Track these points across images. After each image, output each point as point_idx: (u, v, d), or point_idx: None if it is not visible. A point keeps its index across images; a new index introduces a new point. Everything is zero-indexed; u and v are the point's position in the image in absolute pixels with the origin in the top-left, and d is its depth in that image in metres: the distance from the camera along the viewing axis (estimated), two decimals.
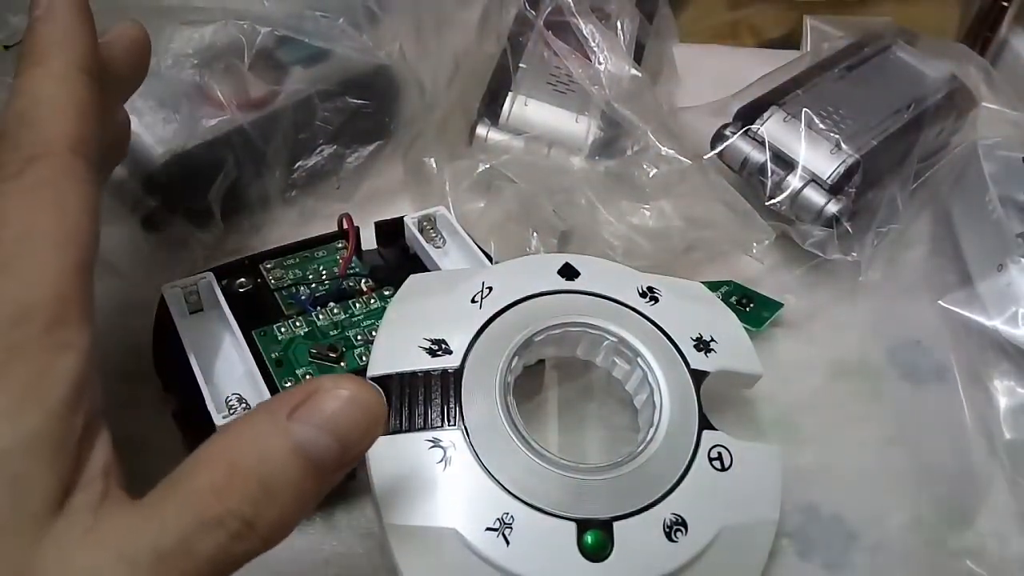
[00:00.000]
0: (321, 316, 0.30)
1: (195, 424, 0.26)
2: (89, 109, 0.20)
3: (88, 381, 0.18)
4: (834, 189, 0.36)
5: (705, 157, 0.38)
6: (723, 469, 0.25)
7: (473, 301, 0.28)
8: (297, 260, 0.32)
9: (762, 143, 0.37)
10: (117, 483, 0.18)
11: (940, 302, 0.35)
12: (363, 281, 0.32)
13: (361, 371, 0.27)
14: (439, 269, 0.32)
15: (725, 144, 0.38)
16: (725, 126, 0.38)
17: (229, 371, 0.27)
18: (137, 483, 0.19)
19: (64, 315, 0.18)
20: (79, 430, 0.18)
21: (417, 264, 0.33)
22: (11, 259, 0.18)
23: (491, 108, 0.38)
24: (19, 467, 0.16)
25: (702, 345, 0.28)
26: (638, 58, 0.41)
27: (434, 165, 0.37)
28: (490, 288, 0.28)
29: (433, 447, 0.24)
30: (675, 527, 0.24)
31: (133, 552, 0.16)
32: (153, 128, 0.32)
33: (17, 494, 0.16)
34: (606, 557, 0.23)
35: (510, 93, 0.38)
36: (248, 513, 0.17)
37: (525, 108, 0.38)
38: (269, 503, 0.17)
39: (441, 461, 0.24)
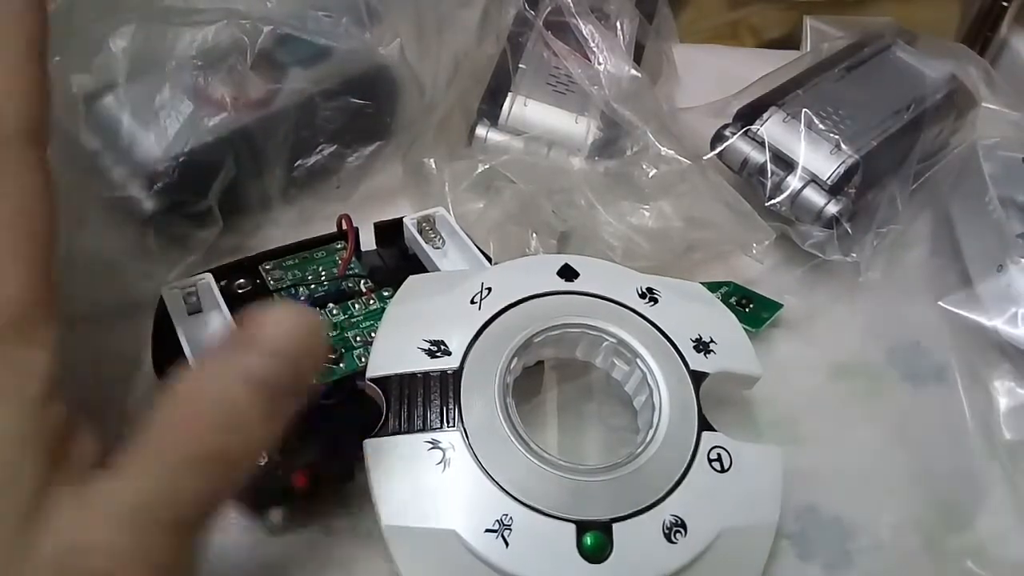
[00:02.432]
0: (320, 317, 0.30)
1: None
2: (43, 94, 0.20)
3: (60, 375, 0.18)
4: (834, 190, 0.36)
5: (705, 157, 0.38)
6: (723, 470, 0.25)
7: (472, 302, 0.28)
8: (296, 261, 0.32)
9: (762, 144, 0.37)
10: (99, 462, 0.18)
11: (940, 302, 0.35)
12: (362, 282, 0.32)
13: (360, 372, 0.27)
14: (438, 270, 0.32)
15: (725, 144, 0.38)
16: (725, 126, 0.38)
17: None
18: None
19: (30, 310, 0.18)
20: (56, 424, 0.18)
21: (416, 265, 0.33)
22: None
23: (491, 108, 0.38)
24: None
25: (701, 346, 0.28)
26: (638, 58, 0.41)
27: (433, 165, 0.37)
28: (489, 289, 0.28)
29: (432, 448, 0.24)
30: (674, 528, 0.24)
31: (117, 511, 0.17)
32: (155, 131, 0.32)
33: (1, 486, 0.17)
34: (605, 558, 0.23)
35: (510, 93, 0.38)
36: (219, 446, 0.18)
37: (525, 108, 0.38)
38: (236, 433, 0.18)
39: (440, 463, 0.24)
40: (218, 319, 0.29)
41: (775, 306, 0.35)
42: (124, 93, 0.32)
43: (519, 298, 0.28)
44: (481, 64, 0.40)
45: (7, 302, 0.18)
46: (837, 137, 0.37)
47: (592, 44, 0.38)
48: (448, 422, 0.25)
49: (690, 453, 0.25)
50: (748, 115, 0.38)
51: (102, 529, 0.17)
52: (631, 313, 0.29)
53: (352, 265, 0.32)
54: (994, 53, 0.52)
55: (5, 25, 0.20)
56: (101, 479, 0.18)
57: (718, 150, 0.38)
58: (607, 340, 0.28)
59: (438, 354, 0.26)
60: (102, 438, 0.19)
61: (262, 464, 0.25)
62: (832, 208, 0.35)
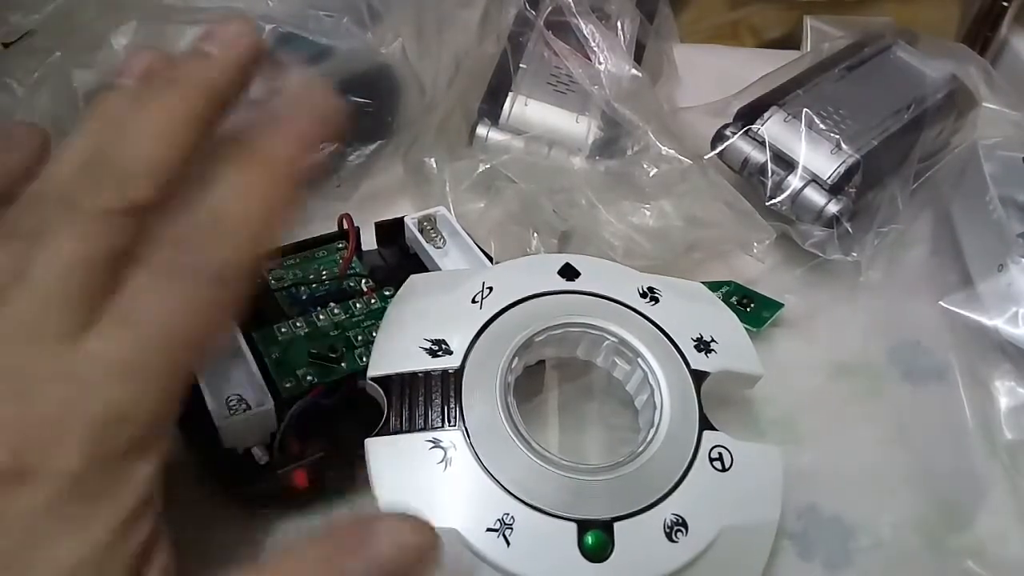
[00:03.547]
0: (321, 316, 0.30)
1: (195, 425, 0.25)
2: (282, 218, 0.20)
3: (158, 480, 0.18)
4: (834, 189, 0.36)
5: (706, 157, 0.38)
6: (723, 469, 0.25)
7: (473, 301, 0.28)
8: (297, 260, 0.32)
9: (762, 143, 0.37)
10: None
11: (940, 302, 0.35)
12: (363, 281, 0.32)
13: (361, 371, 0.27)
14: (439, 269, 0.32)
15: (725, 144, 0.38)
16: (725, 126, 0.38)
17: (229, 371, 0.27)
18: None
19: (155, 428, 0.18)
20: (142, 541, 0.18)
21: (417, 264, 0.33)
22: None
23: (491, 108, 0.38)
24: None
25: (702, 345, 0.28)
26: (638, 58, 0.41)
27: (434, 165, 0.37)
28: (490, 288, 0.28)
29: (433, 448, 0.24)
30: (675, 527, 0.24)
31: None
32: None
33: None
34: (606, 557, 0.23)
35: (510, 93, 0.38)
36: None
37: (525, 108, 0.38)
38: None
39: (441, 462, 0.24)
40: None
41: (776, 305, 0.35)
42: None
43: (520, 297, 0.28)
44: (482, 64, 0.40)
45: (138, 420, 0.17)
46: (838, 137, 0.37)
47: (593, 44, 0.39)
48: (449, 421, 0.25)
49: (691, 452, 0.25)
50: (749, 115, 0.38)
51: None
52: (632, 312, 0.29)
53: (353, 264, 0.32)
54: (994, 53, 0.52)
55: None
56: None
57: (719, 150, 0.38)
58: (608, 339, 0.28)
59: (439, 353, 0.26)
60: (177, 552, 0.19)
61: (263, 463, 0.25)
62: (833, 207, 0.35)
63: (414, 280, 0.29)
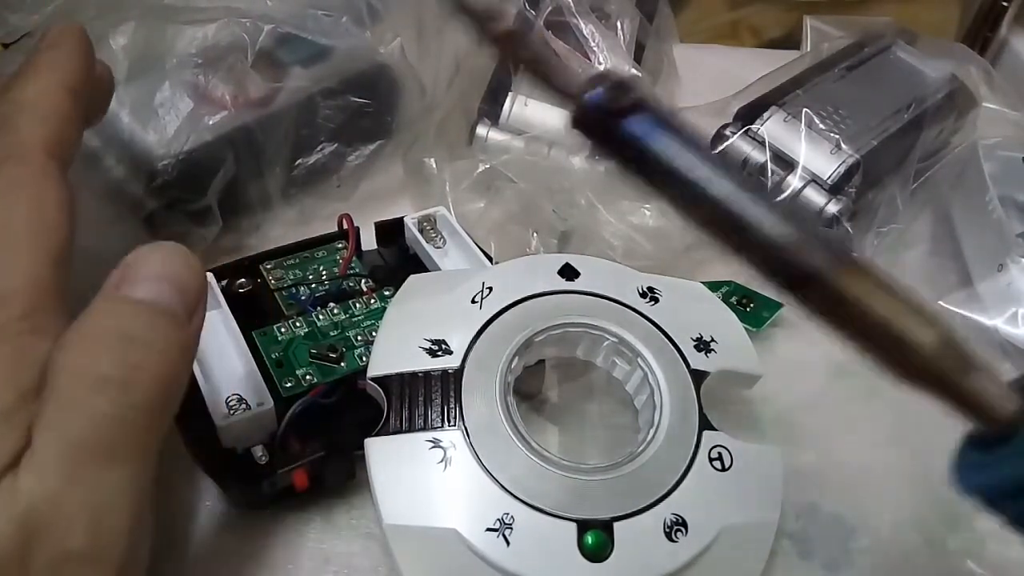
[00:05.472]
0: (321, 316, 0.30)
1: (195, 425, 0.25)
2: (69, 120, 0.22)
3: None
4: (834, 189, 0.36)
5: None
6: (723, 469, 0.25)
7: (473, 301, 0.28)
8: (297, 260, 0.32)
9: (762, 143, 0.37)
10: None
11: (940, 302, 0.35)
12: (363, 281, 0.32)
13: (361, 371, 0.27)
14: (439, 269, 0.32)
15: (725, 144, 0.38)
16: (725, 126, 0.38)
17: (229, 371, 0.27)
18: None
19: (41, 303, 0.19)
20: None
21: (417, 264, 0.33)
22: None
23: (491, 108, 0.38)
24: None
25: (702, 345, 0.28)
26: (638, 58, 0.41)
27: (434, 165, 0.37)
28: (490, 288, 0.28)
29: (433, 447, 0.24)
30: (675, 527, 0.24)
31: (45, 460, 0.18)
32: (155, 129, 0.32)
33: None
34: (606, 557, 0.23)
35: (510, 93, 0.38)
36: (120, 368, 0.18)
37: (525, 108, 0.38)
38: (135, 353, 0.19)
39: (441, 461, 0.24)
40: (219, 319, 0.29)
41: (776, 305, 0.35)
42: (124, 91, 0.32)
43: (520, 297, 0.28)
44: (482, 64, 0.40)
45: (16, 292, 0.19)
46: (837, 137, 0.37)
47: (592, 44, 0.39)
48: (449, 421, 0.25)
49: (691, 452, 0.25)
50: (748, 115, 0.38)
51: (38, 482, 0.17)
52: (632, 312, 0.29)
53: (353, 264, 0.32)
54: (994, 53, 0.52)
55: (49, 60, 0.23)
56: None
57: (719, 150, 0.38)
58: (608, 339, 0.28)
59: (439, 353, 0.26)
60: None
61: (263, 463, 0.25)
62: (832, 208, 0.35)
63: (414, 280, 0.29)
